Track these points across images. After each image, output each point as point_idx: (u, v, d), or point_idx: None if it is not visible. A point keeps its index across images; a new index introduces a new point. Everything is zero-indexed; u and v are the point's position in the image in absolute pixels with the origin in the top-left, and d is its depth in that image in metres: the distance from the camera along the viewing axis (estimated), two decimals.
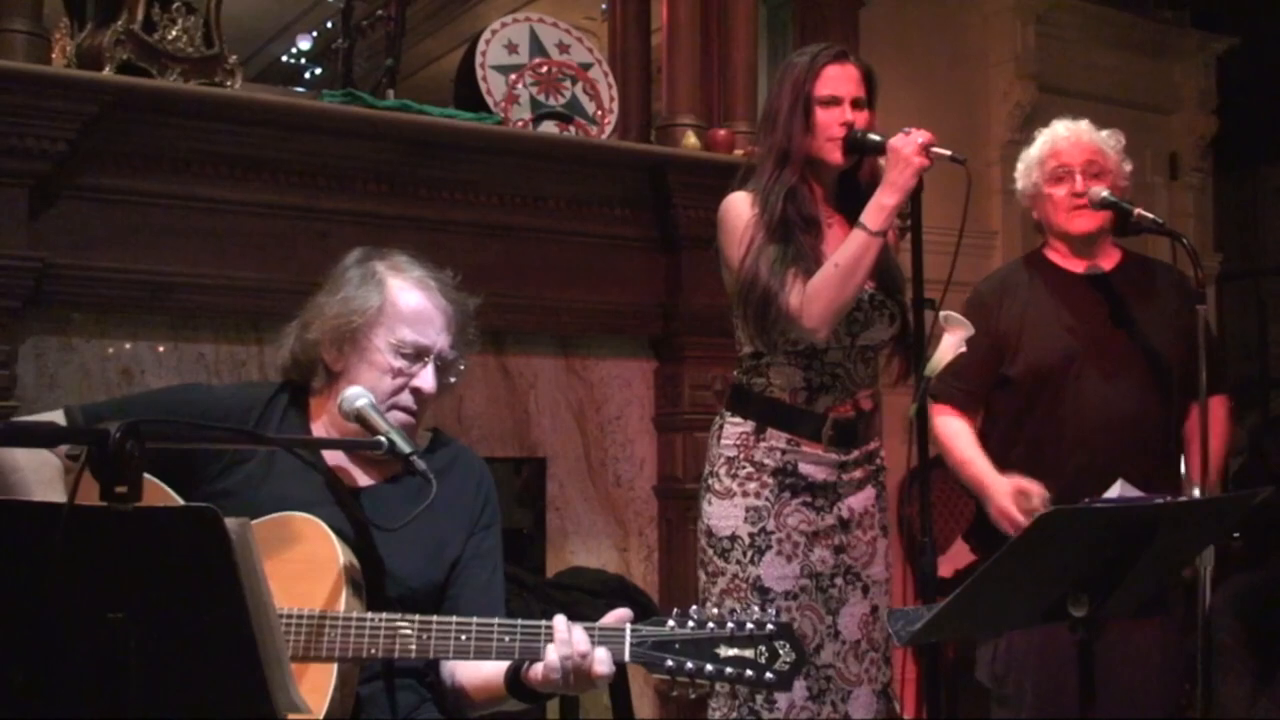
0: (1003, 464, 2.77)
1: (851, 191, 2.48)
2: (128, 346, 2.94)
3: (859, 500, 2.48)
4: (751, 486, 2.43)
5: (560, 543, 3.55)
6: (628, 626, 1.68)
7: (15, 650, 1.36)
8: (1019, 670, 2.69)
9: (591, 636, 1.67)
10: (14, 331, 2.75)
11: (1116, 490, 2.17)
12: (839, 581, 2.45)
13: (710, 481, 2.49)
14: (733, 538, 2.43)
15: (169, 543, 1.33)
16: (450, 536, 1.93)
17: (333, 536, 1.77)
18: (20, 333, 2.78)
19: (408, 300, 1.93)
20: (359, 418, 1.84)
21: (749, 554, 2.41)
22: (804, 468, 2.43)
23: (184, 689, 1.37)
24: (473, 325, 2.03)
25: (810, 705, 2.40)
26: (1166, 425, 2.70)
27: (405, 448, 1.77)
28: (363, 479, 1.94)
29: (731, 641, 1.66)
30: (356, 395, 1.85)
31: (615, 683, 2.55)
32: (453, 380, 2.01)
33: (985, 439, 2.82)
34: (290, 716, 1.40)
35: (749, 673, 1.65)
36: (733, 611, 1.68)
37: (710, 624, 1.67)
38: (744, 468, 2.44)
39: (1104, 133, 2.78)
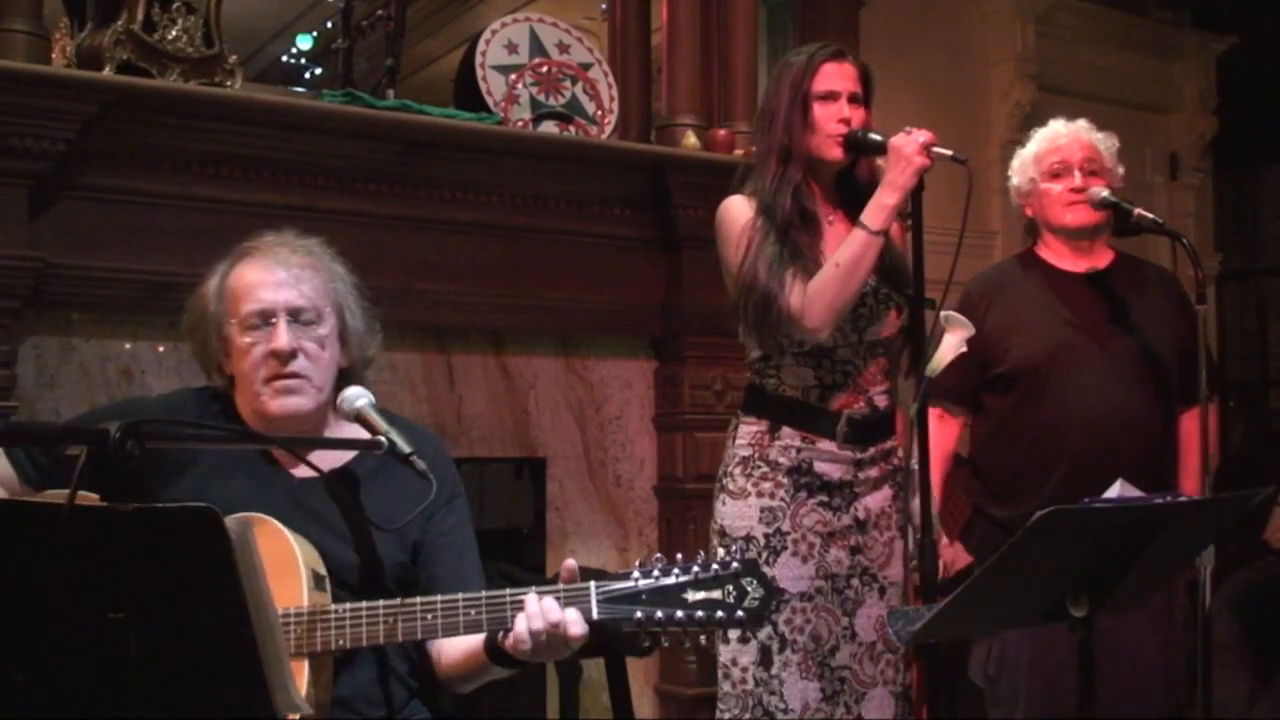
0: (997, 463, 2.77)
1: (850, 190, 2.48)
2: (128, 346, 2.94)
3: (876, 500, 2.47)
4: (766, 486, 2.42)
5: (560, 543, 3.55)
6: (593, 583, 1.67)
7: (15, 650, 1.36)
8: (1012, 671, 2.69)
9: (558, 599, 1.66)
10: (14, 331, 2.75)
11: (1116, 490, 2.16)
12: (855, 583, 2.44)
13: (724, 481, 2.48)
14: (748, 538, 2.41)
15: (169, 543, 1.33)
16: (402, 516, 1.87)
17: (288, 532, 1.76)
18: (20, 333, 2.78)
19: (241, 276, 1.91)
20: (359, 417, 1.84)
21: (764, 555, 2.39)
22: (819, 466, 2.42)
23: (184, 689, 1.37)
24: (340, 270, 1.98)
25: (824, 706, 2.39)
26: (1159, 424, 2.71)
27: (405, 448, 1.77)
28: (308, 471, 1.88)
29: (698, 585, 1.65)
30: (357, 395, 1.86)
31: (615, 682, 2.55)
32: (323, 332, 1.91)
33: (981, 439, 2.82)
34: None
35: (719, 614, 1.64)
36: (697, 555, 1.67)
37: (675, 570, 1.66)
38: (759, 467, 2.43)
39: (1100, 134, 2.80)
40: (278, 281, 1.89)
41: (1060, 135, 2.79)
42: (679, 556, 1.67)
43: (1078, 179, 2.72)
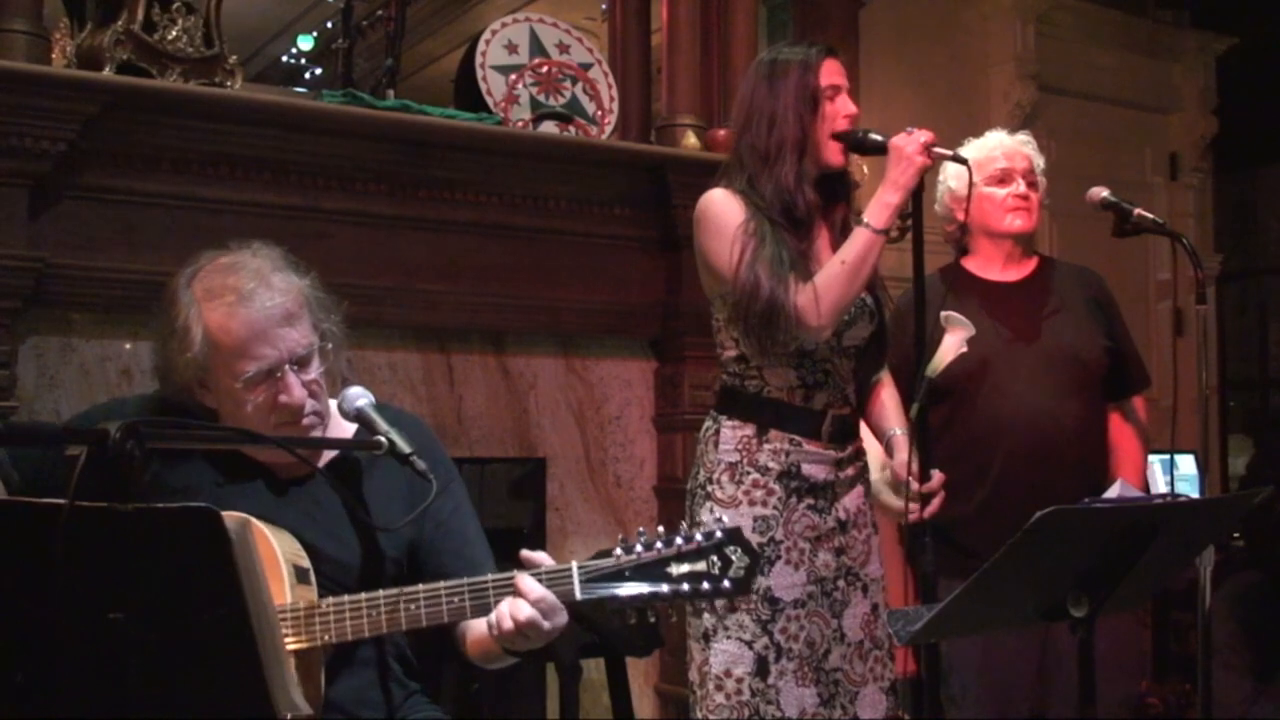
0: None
1: (826, 191, 2.48)
2: (128, 346, 2.94)
3: (852, 499, 2.47)
4: (759, 494, 2.38)
5: (560, 543, 3.55)
6: (574, 564, 1.66)
7: (15, 650, 1.36)
8: (961, 669, 2.71)
9: (540, 581, 1.65)
10: (14, 331, 2.75)
11: (1116, 490, 2.16)
12: (841, 584, 2.44)
13: (710, 489, 2.41)
14: None
15: (169, 543, 1.33)
16: (394, 511, 1.86)
17: (265, 528, 1.75)
18: (20, 333, 2.78)
19: (229, 329, 1.78)
20: (359, 417, 1.84)
21: (759, 565, 2.37)
22: (806, 468, 2.40)
23: (184, 689, 1.37)
24: (319, 293, 1.88)
25: (821, 711, 2.37)
26: (1091, 424, 2.74)
27: (405, 448, 1.77)
28: (284, 472, 1.89)
29: (681, 558, 1.64)
30: (357, 395, 1.85)
31: (615, 682, 2.55)
32: (326, 364, 1.87)
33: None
34: None
35: (705, 585, 1.64)
36: (679, 526, 1.66)
37: (658, 544, 1.65)
38: (749, 473, 2.39)
39: (1037, 153, 2.86)
40: (274, 335, 1.79)
41: (1005, 143, 2.84)
42: (661, 529, 1.66)
43: (1021, 186, 2.77)
